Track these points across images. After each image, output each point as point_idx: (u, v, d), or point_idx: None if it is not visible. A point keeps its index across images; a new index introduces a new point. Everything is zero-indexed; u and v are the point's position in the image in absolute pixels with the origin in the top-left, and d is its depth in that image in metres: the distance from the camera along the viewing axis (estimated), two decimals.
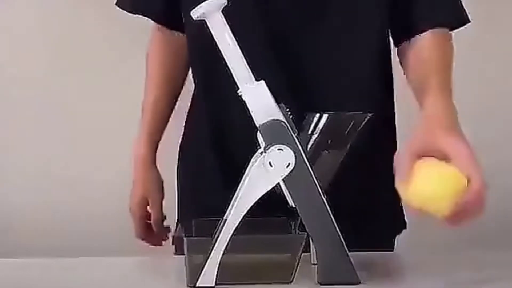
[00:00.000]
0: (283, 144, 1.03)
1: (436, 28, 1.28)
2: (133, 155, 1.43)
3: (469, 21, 1.32)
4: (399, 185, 1.00)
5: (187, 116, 1.40)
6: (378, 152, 1.31)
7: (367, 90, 1.30)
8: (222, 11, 1.05)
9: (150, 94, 1.43)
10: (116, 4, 1.40)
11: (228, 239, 1.03)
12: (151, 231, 1.44)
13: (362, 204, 1.30)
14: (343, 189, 1.13)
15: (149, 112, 1.42)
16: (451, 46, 1.30)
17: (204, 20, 1.05)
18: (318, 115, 1.09)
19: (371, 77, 1.31)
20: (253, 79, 1.04)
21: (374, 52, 1.31)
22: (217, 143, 1.30)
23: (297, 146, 1.03)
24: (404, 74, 1.29)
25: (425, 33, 1.27)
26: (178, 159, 1.42)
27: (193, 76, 1.37)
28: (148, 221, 1.43)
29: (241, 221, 1.03)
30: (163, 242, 1.46)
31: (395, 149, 1.38)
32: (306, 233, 1.04)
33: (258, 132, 1.04)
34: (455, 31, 1.31)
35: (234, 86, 1.04)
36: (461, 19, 1.32)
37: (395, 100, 1.38)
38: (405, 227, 1.38)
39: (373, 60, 1.31)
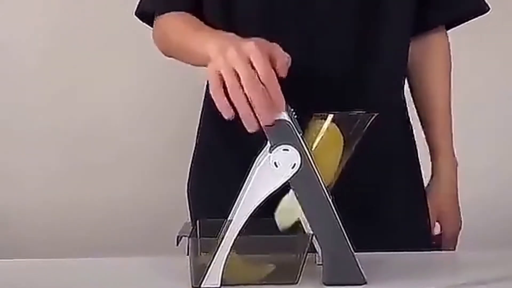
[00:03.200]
0: (289, 144, 1.03)
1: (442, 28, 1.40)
2: (201, 50, 1.13)
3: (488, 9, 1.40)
4: None
5: (200, 117, 1.40)
6: (390, 152, 1.32)
7: (396, 87, 1.35)
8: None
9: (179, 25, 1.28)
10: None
11: (233, 240, 1.02)
12: None
13: (369, 204, 1.31)
14: (349, 189, 1.13)
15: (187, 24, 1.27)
16: (447, 58, 1.45)
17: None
18: (323, 115, 1.09)
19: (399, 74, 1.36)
20: None
21: (403, 48, 1.34)
22: (233, 142, 1.30)
23: (303, 146, 1.03)
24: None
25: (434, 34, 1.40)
26: (192, 160, 1.41)
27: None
28: None
29: (246, 221, 1.03)
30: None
31: (413, 151, 1.40)
32: (311, 234, 1.04)
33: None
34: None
35: None
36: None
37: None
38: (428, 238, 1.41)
39: (402, 57, 1.35)
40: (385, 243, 1.21)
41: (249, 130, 1.02)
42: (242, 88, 1.01)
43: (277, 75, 1.03)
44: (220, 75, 1.03)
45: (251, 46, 1.02)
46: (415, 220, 1.38)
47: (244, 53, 1.02)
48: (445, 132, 1.45)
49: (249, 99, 1.00)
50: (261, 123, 1.01)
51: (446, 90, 1.44)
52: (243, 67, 1.01)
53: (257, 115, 1.01)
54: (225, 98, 1.02)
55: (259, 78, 1.01)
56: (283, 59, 1.05)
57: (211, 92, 1.03)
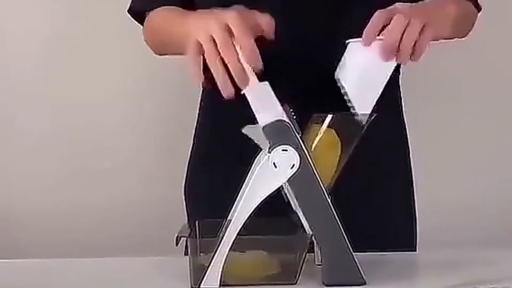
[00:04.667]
0: (287, 145, 1.03)
1: None
2: (184, 30, 1.14)
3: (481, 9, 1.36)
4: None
5: (197, 119, 1.40)
6: (386, 152, 1.32)
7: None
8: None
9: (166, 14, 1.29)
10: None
11: (232, 240, 1.03)
12: None
13: (368, 204, 1.31)
14: (347, 189, 1.14)
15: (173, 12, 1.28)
16: (473, 12, 1.33)
17: None
18: (322, 115, 1.09)
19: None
20: (257, 79, 1.04)
21: None
22: (229, 142, 1.30)
23: (301, 147, 1.03)
24: None
25: None
26: (189, 161, 1.42)
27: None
28: None
29: (245, 221, 1.03)
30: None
31: (407, 150, 1.39)
32: (310, 234, 1.04)
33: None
34: None
35: None
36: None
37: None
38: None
39: None
40: (383, 243, 1.21)
41: (224, 95, 1.02)
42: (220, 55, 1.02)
43: (265, 39, 1.05)
44: (199, 44, 1.04)
45: (231, 15, 1.04)
46: (406, 220, 1.39)
47: (222, 21, 1.03)
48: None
49: (226, 62, 1.01)
50: (238, 84, 1.01)
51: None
52: (219, 33, 1.02)
53: (234, 77, 1.01)
54: (199, 66, 1.03)
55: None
56: (267, 20, 1.06)
57: (189, 60, 1.04)
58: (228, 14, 1.04)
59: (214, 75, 1.02)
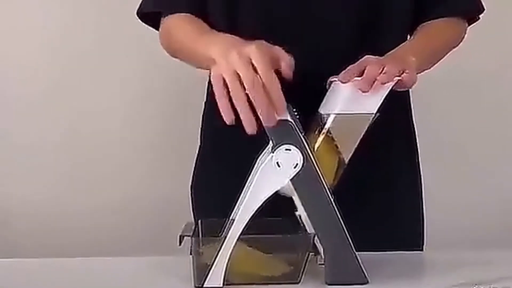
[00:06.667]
0: (291, 144, 1.03)
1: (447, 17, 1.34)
2: (206, 54, 1.13)
3: (483, 10, 1.37)
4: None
5: (202, 118, 1.41)
6: (393, 152, 1.32)
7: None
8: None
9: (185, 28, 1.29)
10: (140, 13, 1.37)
11: (235, 239, 1.03)
12: None
13: (371, 203, 1.31)
14: (350, 188, 1.14)
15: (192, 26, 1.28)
16: (455, 31, 1.36)
17: None
18: (325, 114, 1.10)
19: None
20: None
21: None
22: (235, 142, 1.30)
23: (305, 146, 1.04)
24: None
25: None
26: (196, 160, 1.42)
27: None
28: None
29: (249, 221, 1.03)
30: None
31: (415, 150, 1.40)
32: (313, 233, 1.05)
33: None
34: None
35: None
36: (474, 9, 1.37)
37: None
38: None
39: None
40: (387, 243, 1.22)
41: (248, 132, 1.02)
42: (245, 91, 1.02)
43: (282, 77, 1.04)
44: (224, 78, 1.03)
45: (253, 49, 1.03)
46: (413, 220, 1.39)
47: (245, 56, 1.03)
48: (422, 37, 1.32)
49: (252, 101, 1.01)
50: (263, 124, 1.02)
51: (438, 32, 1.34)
52: (244, 70, 1.02)
53: (259, 116, 1.01)
54: (228, 103, 1.03)
55: (261, 80, 1.01)
56: (287, 59, 1.06)
57: (216, 97, 1.04)
58: (251, 49, 1.03)
59: (240, 112, 1.02)
